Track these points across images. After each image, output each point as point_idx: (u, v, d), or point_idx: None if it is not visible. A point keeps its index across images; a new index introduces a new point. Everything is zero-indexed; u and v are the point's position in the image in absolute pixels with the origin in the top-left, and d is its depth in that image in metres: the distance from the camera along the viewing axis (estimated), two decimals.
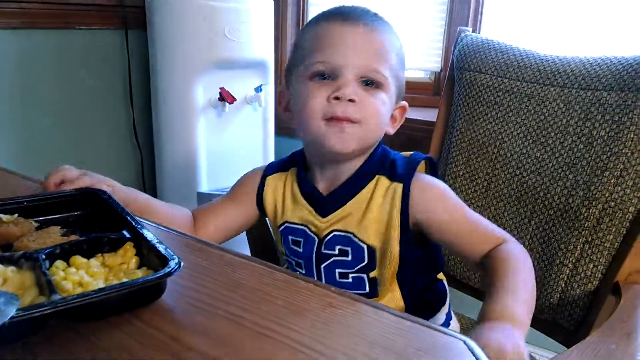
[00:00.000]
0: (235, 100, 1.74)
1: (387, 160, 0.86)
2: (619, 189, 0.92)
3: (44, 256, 0.50)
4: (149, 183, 2.04)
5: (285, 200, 0.91)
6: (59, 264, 0.52)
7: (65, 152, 1.82)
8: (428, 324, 0.47)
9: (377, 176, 0.85)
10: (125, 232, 0.57)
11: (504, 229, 1.05)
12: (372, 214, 0.83)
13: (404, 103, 0.89)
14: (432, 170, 0.89)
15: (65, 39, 1.75)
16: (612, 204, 0.92)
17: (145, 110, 1.95)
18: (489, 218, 1.06)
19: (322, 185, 0.87)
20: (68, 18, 1.72)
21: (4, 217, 0.61)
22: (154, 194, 1.95)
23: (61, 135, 1.80)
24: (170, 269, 0.47)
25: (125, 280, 0.48)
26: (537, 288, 0.97)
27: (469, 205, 1.09)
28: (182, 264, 0.48)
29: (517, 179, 1.06)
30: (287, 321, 0.47)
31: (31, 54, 1.67)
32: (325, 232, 0.86)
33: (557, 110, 1.02)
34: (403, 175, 0.83)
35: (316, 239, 0.86)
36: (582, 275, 0.94)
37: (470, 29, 1.25)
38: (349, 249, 0.85)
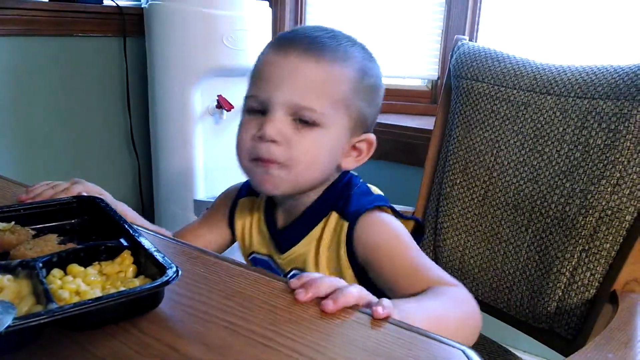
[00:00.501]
0: (233, 107, 1.74)
1: (346, 195, 0.78)
2: (616, 197, 0.92)
3: (40, 264, 0.50)
4: (146, 190, 2.03)
5: (252, 230, 0.86)
6: (56, 272, 0.51)
7: (63, 159, 1.81)
8: (426, 334, 0.47)
9: (330, 212, 0.78)
10: (122, 240, 0.57)
11: (501, 236, 1.07)
12: (323, 254, 0.77)
13: (370, 136, 0.79)
14: (418, 233, 0.84)
15: (64, 46, 1.75)
16: (609, 212, 0.92)
17: (143, 118, 1.95)
18: (485, 226, 1.10)
19: (281, 218, 0.82)
20: (66, 25, 1.72)
21: (1, 225, 0.60)
22: (151, 201, 1.95)
23: (59, 142, 1.80)
24: (168, 277, 0.47)
25: (122, 289, 0.48)
26: (533, 297, 0.98)
27: (466, 213, 1.12)
28: (179, 272, 0.48)
29: (513, 187, 1.06)
30: (285, 330, 0.47)
31: (29, 61, 1.67)
32: (287, 269, 0.81)
33: (553, 118, 1.02)
34: (351, 213, 0.75)
35: (281, 273, 0.82)
36: (579, 283, 0.94)
37: (467, 37, 1.26)
38: None
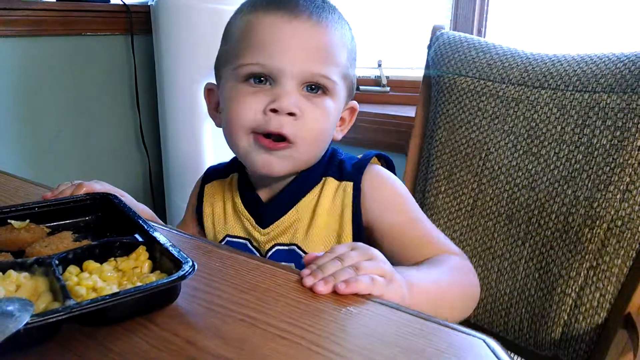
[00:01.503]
0: None
1: (336, 161, 0.75)
2: (626, 205, 0.80)
3: (57, 261, 0.50)
4: (157, 186, 2.04)
5: (226, 211, 0.79)
6: (72, 269, 0.51)
7: (73, 157, 1.82)
8: (446, 323, 0.46)
9: (323, 178, 0.73)
10: (137, 236, 0.56)
11: (495, 251, 0.93)
12: (321, 221, 0.71)
13: (354, 103, 0.77)
14: (389, 169, 0.78)
15: (72, 45, 1.75)
16: (619, 222, 0.80)
17: (152, 114, 1.95)
18: (476, 239, 0.96)
19: (263, 193, 0.76)
20: (74, 25, 1.72)
21: (16, 223, 0.60)
22: (162, 197, 1.95)
23: (69, 140, 1.80)
24: (184, 272, 0.47)
25: (139, 284, 0.48)
26: (535, 321, 0.87)
27: (453, 226, 0.99)
28: (196, 266, 0.48)
29: (507, 195, 0.93)
30: (302, 322, 0.46)
31: (38, 61, 1.67)
32: (267, 247, 0.74)
33: (549, 115, 0.89)
34: (352, 173, 0.72)
35: (258, 255, 0.76)
36: (588, 305, 0.83)
37: (445, 25, 1.12)
38: (292, 265, 0.72)
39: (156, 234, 0.54)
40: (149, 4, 1.78)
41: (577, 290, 0.84)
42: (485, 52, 1.00)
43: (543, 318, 0.87)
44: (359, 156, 0.77)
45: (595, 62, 0.87)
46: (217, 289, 0.52)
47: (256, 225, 0.75)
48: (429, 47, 1.08)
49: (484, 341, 0.42)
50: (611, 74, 0.85)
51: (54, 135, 1.70)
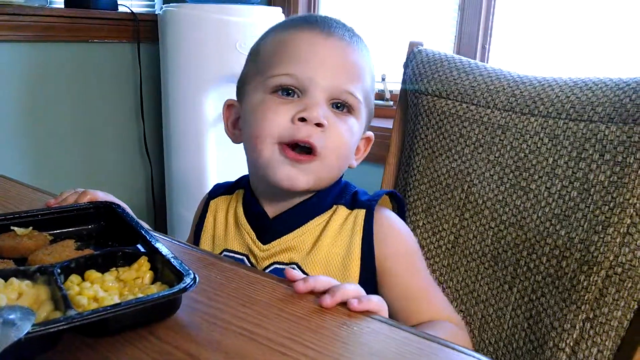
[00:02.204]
0: None
1: (349, 191, 0.75)
2: (627, 250, 0.71)
3: (59, 270, 0.50)
4: (159, 195, 2.04)
5: (227, 225, 0.78)
6: (74, 278, 0.51)
7: (77, 164, 1.82)
8: (446, 343, 0.46)
9: (335, 206, 0.72)
10: (139, 246, 0.56)
11: (478, 295, 0.85)
12: (326, 243, 0.70)
13: (370, 133, 0.78)
14: (399, 211, 0.77)
15: (79, 52, 1.76)
16: (619, 269, 0.71)
17: (156, 123, 1.96)
18: (457, 281, 0.88)
19: (269, 210, 0.75)
20: (81, 32, 1.73)
21: (19, 230, 0.60)
22: (163, 206, 1.95)
23: (73, 146, 1.80)
24: (185, 284, 0.47)
25: (140, 295, 0.48)
26: None
27: (432, 265, 0.90)
28: (197, 279, 0.48)
29: (492, 232, 0.84)
30: (302, 338, 0.46)
31: (45, 66, 1.68)
32: (265, 264, 0.72)
33: (540, 146, 0.80)
34: (366, 202, 0.71)
35: None
36: None
37: (422, 42, 1.03)
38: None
39: (158, 245, 0.54)
40: (156, 12, 1.80)
41: (571, 344, 0.74)
42: (468, 72, 0.90)
43: None
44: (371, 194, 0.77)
45: (590, 88, 0.79)
46: (218, 302, 0.52)
47: (256, 240, 0.73)
48: (406, 65, 0.99)
49: None
50: (609, 102, 0.76)
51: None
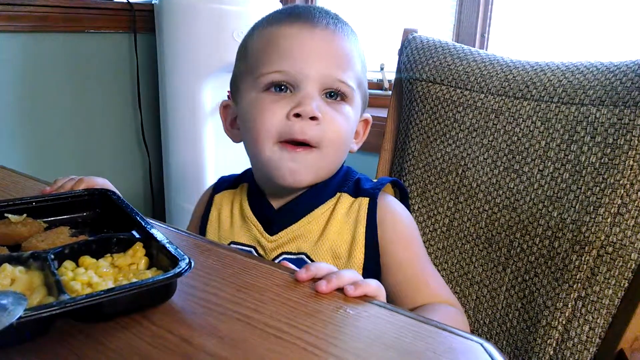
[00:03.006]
0: None
1: (351, 179, 0.75)
2: (617, 230, 0.72)
3: (52, 256, 0.49)
4: (157, 186, 2.03)
5: (233, 217, 0.78)
6: (68, 264, 0.50)
7: (74, 154, 1.81)
8: (444, 327, 0.45)
9: (338, 193, 0.73)
10: (134, 233, 0.56)
11: (473, 277, 0.86)
12: (333, 231, 0.70)
13: (368, 116, 0.78)
14: (402, 199, 0.77)
15: (74, 42, 1.74)
16: (610, 249, 0.73)
17: (154, 114, 1.95)
18: (452, 263, 0.89)
19: (274, 202, 0.75)
20: (77, 21, 1.71)
21: (13, 217, 0.60)
22: (162, 197, 1.95)
23: (70, 137, 1.79)
24: (180, 269, 0.46)
25: (134, 280, 0.47)
26: (517, 355, 0.82)
27: (427, 248, 0.92)
28: (192, 264, 0.47)
29: (486, 215, 0.85)
30: (299, 323, 0.45)
31: (40, 57, 1.66)
32: (274, 255, 0.73)
33: (533, 130, 0.81)
34: (369, 190, 0.72)
35: None
36: (576, 340, 0.75)
37: (417, 29, 1.04)
38: None
39: (153, 231, 0.54)
40: (152, 2, 1.78)
41: (564, 322, 0.76)
42: (462, 58, 0.91)
43: (526, 353, 0.79)
44: (374, 180, 0.77)
45: (582, 72, 0.80)
46: (214, 288, 0.51)
47: (264, 232, 0.74)
48: (400, 51, 0.99)
49: (482, 345, 0.42)
50: (600, 85, 0.77)
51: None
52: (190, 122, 1.72)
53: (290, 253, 0.72)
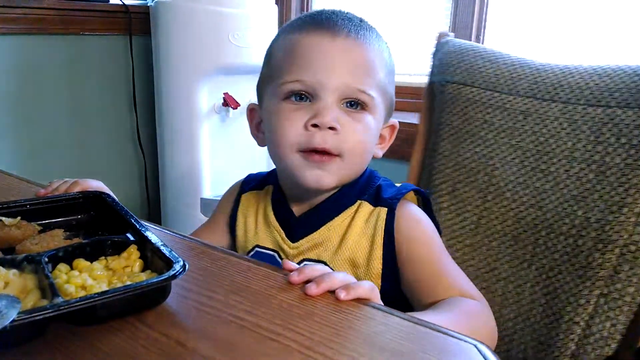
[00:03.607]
0: (240, 105, 1.74)
1: (373, 185, 0.77)
2: None
3: (46, 259, 0.50)
4: (152, 188, 2.03)
5: (257, 222, 0.81)
6: (62, 267, 0.51)
7: (70, 157, 1.82)
8: (438, 328, 0.46)
9: (358, 201, 0.75)
10: (129, 235, 0.56)
11: (499, 273, 0.90)
12: (352, 241, 0.73)
13: (394, 121, 0.79)
14: (425, 207, 0.79)
15: (70, 45, 1.75)
16: (633, 248, 0.75)
17: (149, 116, 1.95)
18: (479, 260, 0.93)
19: (296, 207, 0.78)
20: (72, 24, 1.73)
21: (7, 220, 0.60)
22: (157, 199, 1.95)
23: (65, 140, 1.80)
24: (175, 271, 0.46)
25: (129, 283, 0.47)
26: (540, 350, 0.84)
27: (455, 244, 0.95)
28: (187, 266, 0.48)
29: (513, 213, 0.89)
30: (293, 325, 0.46)
31: (36, 59, 1.68)
32: (296, 261, 0.76)
33: (559, 131, 0.85)
34: (389, 199, 0.73)
35: None
36: (598, 336, 0.78)
37: (451, 33, 1.09)
38: None
39: (148, 234, 0.54)
40: (148, 4, 1.79)
41: (586, 318, 0.79)
42: (492, 61, 0.96)
43: (549, 347, 0.82)
44: (398, 184, 0.79)
45: (609, 74, 0.84)
46: (209, 290, 0.52)
47: (286, 239, 0.76)
48: (434, 54, 1.05)
49: (475, 346, 0.42)
50: (626, 87, 0.80)
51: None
52: (186, 124, 1.73)
53: (311, 260, 0.74)
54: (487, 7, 1.73)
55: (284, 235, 0.77)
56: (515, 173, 0.89)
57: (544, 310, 0.84)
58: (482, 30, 1.75)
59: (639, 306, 0.76)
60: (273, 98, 0.72)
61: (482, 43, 1.77)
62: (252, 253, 0.81)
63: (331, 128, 0.67)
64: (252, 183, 0.86)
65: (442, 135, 0.98)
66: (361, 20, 0.74)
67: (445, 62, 1.00)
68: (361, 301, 0.51)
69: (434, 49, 1.05)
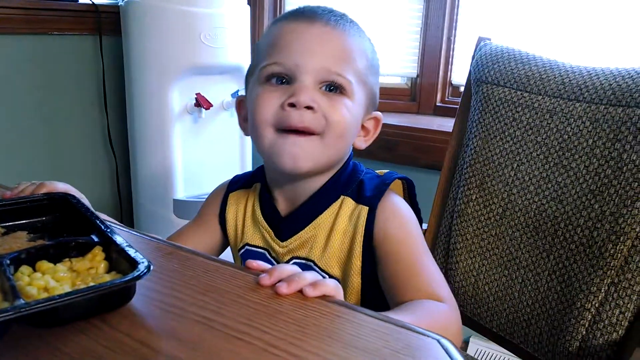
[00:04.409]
0: (212, 106, 1.75)
1: (355, 180, 0.80)
2: None
3: (8, 261, 0.51)
4: (124, 190, 2.02)
5: (245, 221, 0.85)
6: (24, 269, 0.52)
7: (39, 159, 1.80)
8: (402, 324, 0.48)
9: (342, 197, 0.78)
10: (93, 237, 0.56)
11: (520, 262, 0.99)
12: (336, 240, 0.76)
13: (378, 114, 0.83)
14: (410, 192, 0.84)
15: (39, 45, 1.75)
16: None
17: (120, 117, 1.95)
18: (503, 249, 1.02)
19: (282, 206, 0.82)
20: (41, 23, 1.73)
21: None
22: (129, 201, 1.94)
23: (35, 142, 1.80)
24: (139, 272, 0.47)
25: (92, 284, 0.47)
26: (554, 334, 0.91)
27: (482, 234, 1.04)
28: (151, 267, 0.49)
29: (535, 206, 0.97)
30: (259, 323, 0.48)
31: (3, 60, 1.68)
32: (285, 259, 0.80)
33: (582, 129, 0.92)
34: (370, 198, 0.77)
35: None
36: (607, 322, 0.85)
37: (490, 37, 1.16)
38: None
39: (113, 235, 0.54)
40: (118, 4, 1.79)
41: (597, 305, 0.86)
42: (524, 63, 1.04)
43: (562, 332, 0.90)
44: (381, 172, 0.82)
45: (631, 76, 0.91)
46: (175, 290, 0.53)
47: (275, 238, 0.80)
48: (473, 57, 1.14)
49: (438, 341, 0.44)
50: None
51: None
52: (157, 125, 1.73)
53: (300, 258, 0.79)
54: (458, 6, 1.76)
55: (272, 235, 0.81)
56: (539, 168, 0.98)
57: (559, 297, 0.92)
58: (454, 32, 1.77)
59: None
60: (255, 84, 0.76)
61: (454, 45, 1.79)
62: (242, 251, 0.84)
63: (308, 107, 0.71)
64: (239, 182, 0.90)
65: (474, 133, 1.09)
66: (343, 15, 0.79)
67: (482, 64, 1.10)
68: (327, 298, 0.53)
69: (473, 52, 1.15)
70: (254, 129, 0.75)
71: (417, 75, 1.89)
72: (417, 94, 1.91)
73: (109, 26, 1.89)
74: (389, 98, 1.99)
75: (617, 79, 0.92)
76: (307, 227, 0.78)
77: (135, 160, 1.86)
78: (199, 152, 1.86)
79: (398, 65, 1.93)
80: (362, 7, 1.95)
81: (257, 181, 0.86)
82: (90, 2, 1.85)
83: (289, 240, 0.79)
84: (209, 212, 0.90)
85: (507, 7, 1.70)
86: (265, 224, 0.81)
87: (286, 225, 0.79)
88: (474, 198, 1.05)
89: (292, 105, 0.70)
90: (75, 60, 1.88)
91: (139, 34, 1.72)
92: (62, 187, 0.79)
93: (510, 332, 0.99)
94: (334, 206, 0.77)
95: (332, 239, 0.76)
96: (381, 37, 1.92)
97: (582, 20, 1.56)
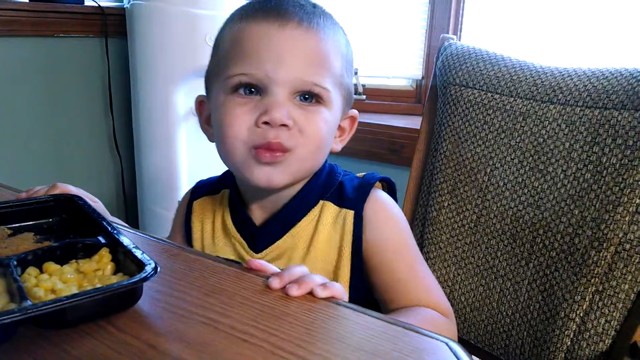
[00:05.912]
0: None
1: (334, 182, 0.74)
2: (635, 228, 0.79)
3: (15, 262, 0.50)
4: (130, 191, 2.02)
5: (215, 231, 0.77)
6: (31, 270, 0.51)
7: (45, 161, 1.80)
8: (410, 327, 0.47)
9: (321, 202, 0.72)
10: (100, 238, 0.56)
11: (497, 271, 0.94)
12: (319, 250, 0.70)
13: (354, 112, 0.77)
14: (391, 194, 0.77)
15: (45, 47, 1.75)
16: (627, 246, 0.79)
17: (126, 118, 1.95)
18: (478, 257, 0.97)
19: (256, 213, 0.74)
20: (47, 26, 1.72)
21: None
22: (135, 203, 1.94)
23: (41, 144, 1.79)
24: (146, 274, 0.47)
25: (99, 286, 0.47)
26: (536, 345, 0.87)
27: (455, 242, 0.99)
28: (158, 268, 0.48)
29: (511, 212, 0.93)
30: (266, 325, 0.47)
31: (10, 62, 1.68)
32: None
33: (558, 132, 0.89)
34: (354, 200, 0.71)
35: None
36: (592, 332, 0.82)
37: (454, 36, 1.13)
38: None
39: (120, 237, 0.54)
40: (124, 6, 1.78)
41: (581, 315, 0.83)
42: (493, 64, 1.00)
43: (545, 343, 0.86)
44: (360, 175, 0.76)
45: (607, 77, 0.87)
46: (181, 292, 0.52)
47: (249, 250, 0.73)
48: (437, 57, 1.09)
49: (447, 344, 0.43)
50: (623, 90, 0.83)
51: None
52: (162, 126, 1.73)
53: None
54: (463, 8, 1.75)
55: (246, 247, 0.73)
56: (514, 173, 0.94)
57: (541, 306, 0.88)
58: (459, 34, 1.77)
59: (633, 303, 0.80)
60: (220, 92, 0.68)
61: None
62: None
63: (283, 125, 0.64)
64: (203, 189, 0.82)
65: (443, 136, 1.03)
66: (314, 5, 0.70)
67: (448, 64, 1.05)
68: (333, 301, 0.52)
69: (437, 52, 1.10)
70: (222, 143, 0.68)
71: (422, 77, 1.88)
72: (423, 96, 1.91)
73: (115, 28, 1.87)
74: (394, 100, 1.99)
75: (591, 80, 0.88)
76: (285, 236, 0.71)
77: (140, 162, 1.85)
78: (203, 154, 1.85)
79: (403, 67, 1.91)
80: (367, 10, 1.96)
81: (224, 187, 0.79)
82: (96, 5, 1.84)
83: (264, 251, 0.72)
84: (175, 224, 0.84)
85: (512, 9, 1.70)
86: (237, 234, 0.74)
87: (261, 234, 0.72)
88: (446, 205, 1.00)
89: (266, 122, 0.64)
90: (81, 62, 1.87)
91: (144, 36, 1.71)
92: (73, 190, 0.76)
93: (489, 344, 0.95)
94: (313, 212, 0.71)
95: (313, 248, 0.70)
96: (386, 40, 1.91)
97: (590, 25, 1.53)
